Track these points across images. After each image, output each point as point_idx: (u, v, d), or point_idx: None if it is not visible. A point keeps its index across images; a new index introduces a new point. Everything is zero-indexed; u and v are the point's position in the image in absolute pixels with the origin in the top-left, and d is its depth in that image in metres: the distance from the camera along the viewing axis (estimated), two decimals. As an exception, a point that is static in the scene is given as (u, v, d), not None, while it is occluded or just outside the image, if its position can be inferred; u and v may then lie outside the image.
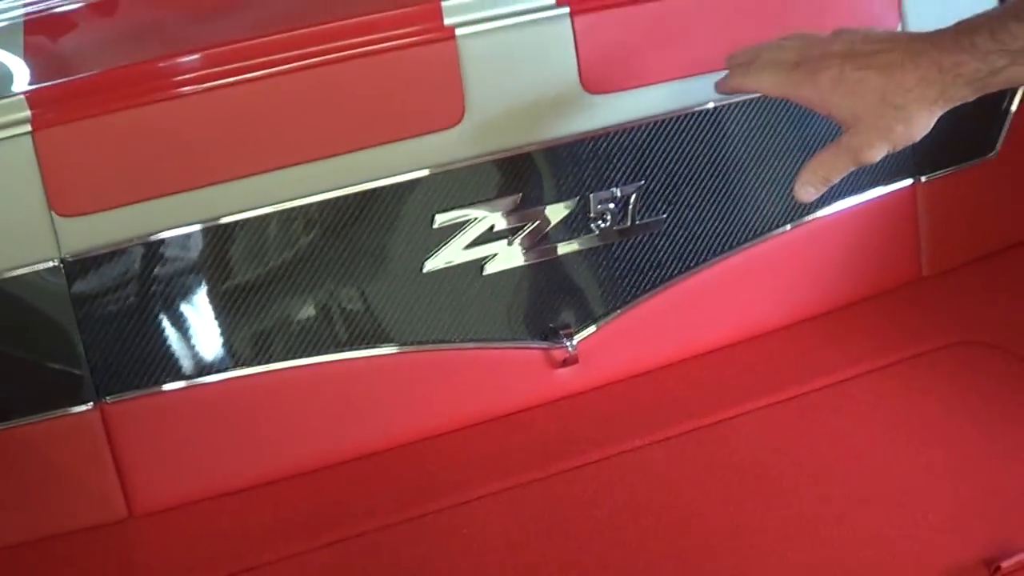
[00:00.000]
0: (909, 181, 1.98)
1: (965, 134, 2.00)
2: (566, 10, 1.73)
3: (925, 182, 1.99)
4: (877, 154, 1.37)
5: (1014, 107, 2.04)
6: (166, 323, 1.68)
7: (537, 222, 1.77)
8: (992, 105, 2.02)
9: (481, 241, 1.75)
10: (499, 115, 1.73)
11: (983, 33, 1.26)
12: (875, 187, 1.97)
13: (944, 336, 1.87)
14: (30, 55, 1.78)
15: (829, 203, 1.93)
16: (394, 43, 1.68)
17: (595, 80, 1.75)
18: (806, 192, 1.43)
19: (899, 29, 1.92)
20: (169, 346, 1.68)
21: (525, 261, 1.79)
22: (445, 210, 1.73)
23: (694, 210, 1.85)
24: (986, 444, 1.63)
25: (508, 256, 1.77)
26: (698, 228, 1.85)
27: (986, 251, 2.05)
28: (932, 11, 1.91)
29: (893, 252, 2.00)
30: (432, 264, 1.74)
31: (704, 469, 1.66)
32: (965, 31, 1.28)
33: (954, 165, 2.01)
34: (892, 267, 2.01)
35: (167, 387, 1.69)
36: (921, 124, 1.35)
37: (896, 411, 1.74)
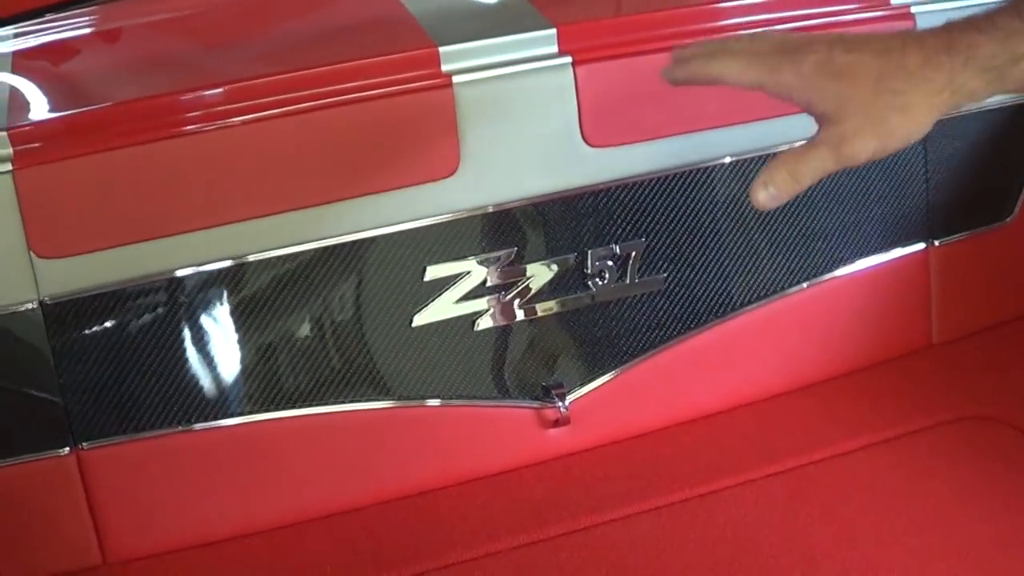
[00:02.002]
0: (922, 245, 1.92)
1: (980, 198, 1.95)
2: (568, 59, 1.68)
3: (939, 246, 1.92)
4: (862, 150, 1.10)
5: (1034, 166, 1.97)
6: (146, 369, 1.63)
7: (532, 277, 1.72)
8: (1009, 168, 1.96)
9: (473, 296, 1.70)
10: (496, 166, 1.68)
11: (1007, 11, 1.06)
12: (887, 250, 1.91)
13: (951, 409, 1.81)
14: (15, 89, 1.73)
15: (837, 265, 1.88)
16: (389, 89, 1.63)
17: (597, 133, 1.70)
18: (764, 194, 1.15)
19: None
20: (148, 393, 1.64)
21: (518, 318, 1.73)
22: (437, 263, 1.68)
23: (696, 270, 1.79)
24: (989, 530, 1.57)
25: (501, 312, 1.72)
26: (699, 289, 1.80)
27: (1000, 319, 1.99)
28: None
29: (903, 318, 1.94)
30: (422, 318, 1.69)
31: (692, 542, 1.60)
32: (982, 12, 1.08)
33: (969, 230, 1.95)
34: (901, 333, 1.94)
35: (145, 434, 1.64)
36: (921, 120, 1.10)
37: (895, 490, 1.67)
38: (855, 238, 1.87)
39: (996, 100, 1.90)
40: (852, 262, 1.88)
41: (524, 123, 1.68)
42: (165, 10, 1.93)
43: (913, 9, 1.85)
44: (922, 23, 1.84)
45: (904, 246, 1.91)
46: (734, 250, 1.80)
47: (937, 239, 1.92)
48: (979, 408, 1.81)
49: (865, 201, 1.87)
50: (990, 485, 1.65)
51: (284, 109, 1.60)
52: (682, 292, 1.78)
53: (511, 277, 1.71)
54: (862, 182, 1.86)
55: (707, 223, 1.78)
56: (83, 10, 1.97)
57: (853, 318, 1.90)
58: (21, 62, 1.83)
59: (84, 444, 1.63)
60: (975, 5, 1.78)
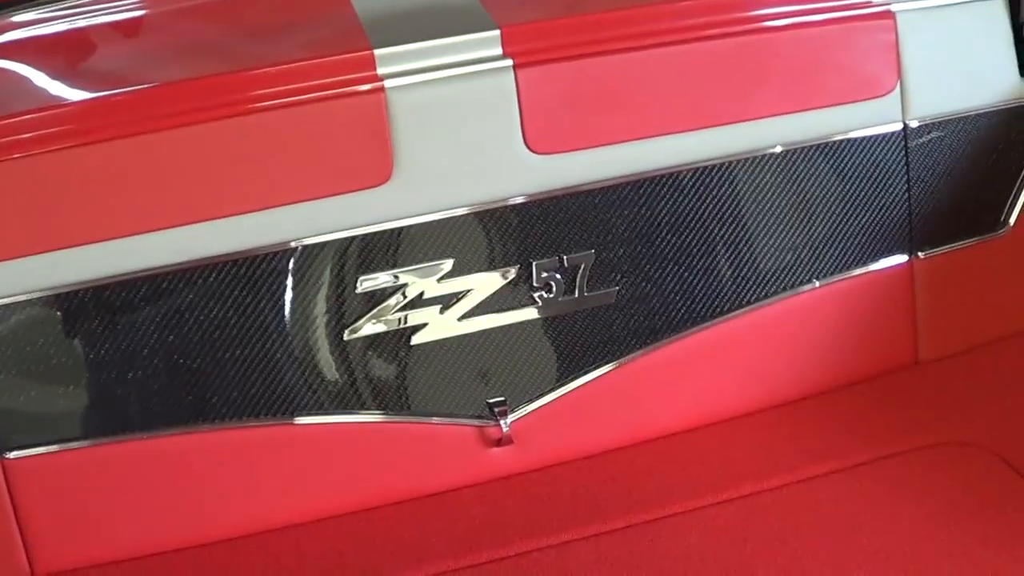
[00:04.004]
0: (905, 257, 1.81)
1: (968, 208, 1.84)
2: (509, 62, 1.60)
3: (923, 258, 1.81)
4: None
5: (1031, 177, 1.86)
6: (72, 379, 1.59)
7: (472, 290, 1.65)
8: (998, 177, 1.84)
9: (409, 308, 1.64)
10: (432, 174, 1.61)
11: None
12: (866, 263, 1.80)
13: (930, 434, 1.71)
14: None
15: (811, 278, 1.78)
16: (319, 93, 1.57)
17: (540, 139, 1.62)
18: None
19: (897, 89, 1.75)
20: (75, 403, 1.60)
21: (458, 332, 1.66)
22: (370, 274, 1.61)
23: (652, 283, 1.71)
24: (954, 570, 1.45)
25: (439, 326, 1.65)
26: (656, 302, 1.71)
27: (992, 336, 1.87)
28: (931, 69, 1.78)
29: (886, 334, 1.84)
30: (354, 331, 1.63)
31: (627, 572, 1.51)
32: None
33: (955, 241, 1.83)
34: (884, 350, 1.84)
35: (72, 444, 1.60)
36: None
37: (855, 520, 1.57)
38: (831, 250, 1.77)
39: (982, 104, 1.81)
40: (828, 275, 1.78)
41: (463, 128, 1.61)
42: (106, 13, 1.89)
43: (893, 7, 1.75)
44: (902, 23, 1.74)
45: (885, 258, 1.80)
46: (695, 262, 1.71)
47: (921, 251, 1.82)
48: (962, 433, 1.70)
49: (843, 211, 1.77)
50: (962, 519, 1.54)
51: (210, 112, 1.55)
52: (636, 306, 1.70)
53: (450, 289, 1.64)
54: (839, 191, 1.77)
55: (664, 234, 1.69)
56: None
57: (829, 334, 1.80)
58: None
59: (9, 454, 1.59)
60: (956, 4, 1.71)
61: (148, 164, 1.55)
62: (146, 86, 1.59)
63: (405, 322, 1.64)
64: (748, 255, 1.73)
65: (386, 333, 1.64)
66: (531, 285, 1.67)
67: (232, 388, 1.62)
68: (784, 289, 1.76)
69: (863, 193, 1.78)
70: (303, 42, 1.73)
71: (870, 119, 1.76)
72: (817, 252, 1.77)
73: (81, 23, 1.88)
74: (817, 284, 1.78)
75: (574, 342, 1.70)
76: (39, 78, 1.76)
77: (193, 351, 1.60)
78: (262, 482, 1.66)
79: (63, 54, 1.87)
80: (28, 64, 1.77)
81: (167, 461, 1.63)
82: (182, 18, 1.86)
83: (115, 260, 1.56)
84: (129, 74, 1.70)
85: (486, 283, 1.65)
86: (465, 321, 1.66)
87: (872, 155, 1.77)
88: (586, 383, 1.72)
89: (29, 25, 1.85)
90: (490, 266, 1.65)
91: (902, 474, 1.63)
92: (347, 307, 1.62)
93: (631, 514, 1.61)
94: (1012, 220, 1.86)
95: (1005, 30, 1.82)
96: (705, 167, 1.69)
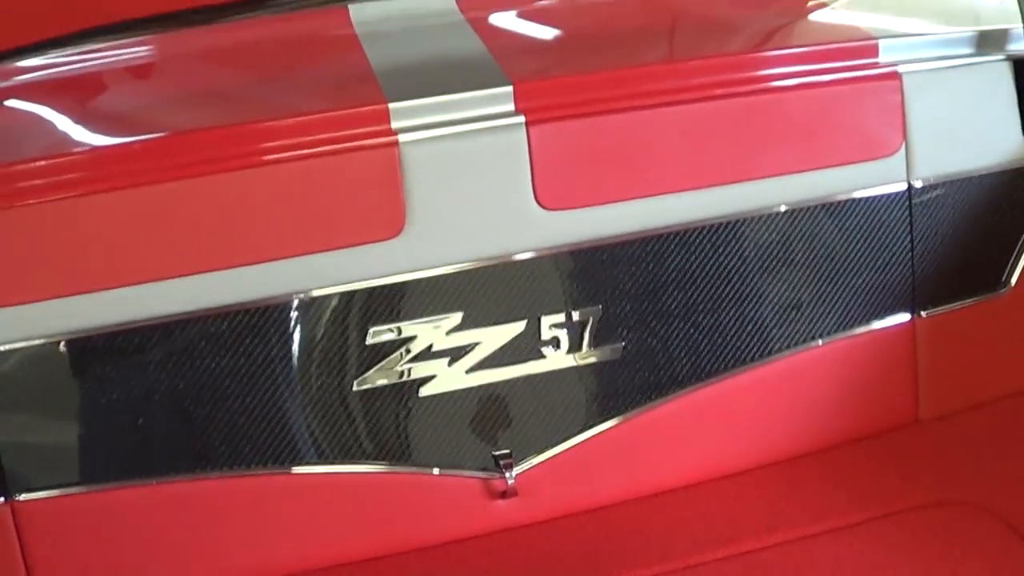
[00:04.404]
0: (908, 316, 1.82)
1: (970, 268, 1.85)
2: (522, 119, 1.62)
3: (926, 317, 1.83)
4: None
5: (1032, 238, 1.87)
6: (81, 424, 1.61)
7: (480, 343, 1.66)
8: (1000, 237, 1.86)
9: (418, 360, 1.64)
10: (443, 228, 1.62)
11: None
12: (870, 321, 1.82)
13: (929, 493, 1.72)
14: None
15: (815, 336, 1.79)
16: (333, 146, 1.58)
17: (551, 195, 1.63)
18: None
19: (903, 149, 1.77)
20: (83, 448, 1.61)
21: (466, 384, 1.67)
22: (380, 325, 1.62)
23: (657, 339, 1.72)
24: None
25: (447, 378, 1.66)
26: (661, 358, 1.73)
27: (994, 395, 1.88)
28: (936, 130, 1.80)
29: (887, 392, 1.85)
30: (363, 382, 1.64)
31: (634, 630, 1.52)
32: None
33: (958, 300, 1.85)
34: (885, 408, 1.85)
35: (80, 489, 1.61)
36: None
37: None
38: (835, 308, 1.79)
39: (986, 165, 1.82)
40: (832, 333, 1.80)
41: (475, 183, 1.63)
42: (118, 57, 1.90)
43: (900, 69, 1.76)
44: (908, 84, 1.76)
45: (889, 317, 1.81)
46: (700, 319, 1.73)
47: (924, 310, 1.83)
48: (962, 493, 1.71)
49: (846, 270, 1.79)
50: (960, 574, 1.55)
51: (223, 164, 1.56)
52: (641, 362, 1.71)
53: (459, 342, 1.65)
54: (843, 250, 1.78)
55: (670, 290, 1.71)
56: None
57: (831, 391, 1.81)
58: None
59: (20, 496, 1.59)
60: (962, 66, 1.73)
61: (160, 213, 1.56)
62: (158, 135, 1.61)
63: (413, 374, 1.65)
64: (753, 313, 1.75)
65: (394, 384, 1.65)
66: (539, 339, 1.68)
67: (239, 436, 1.63)
68: (787, 347, 1.78)
69: (867, 252, 1.79)
70: (317, 92, 1.74)
71: (875, 179, 1.78)
72: (821, 310, 1.79)
73: (92, 68, 1.89)
74: (820, 342, 1.79)
75: (580, 396, 1.71)
76: (50, 123, 1.78)
77: (201, 399, 1.61)
78: (266, 530, 1.66)
79: (74, 99, 1.87)
80: (39, 109, 1.77)
81: (173, 507, 1.64)
82: (194, 63, 1.87)
83: (126, 308, 1.57)
84: (141, 121, 1.71)
85: (494, 337, 1.66)
86: (473, 374, 1.67)
87: (877, 215, 1.78)
88: (591, 437, 1.73)
89: (40, 70, 1.86)
90: (498, 320, 1.66)
91: (902, 534, 1.64)
92: (356, 358, 1.63)
93: (634, 569, 1.62)
94: (1013, 280, 1.88)
95: (1010, 92, 1.84)
96: (712, 225, 1.70)
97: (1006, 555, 1.59)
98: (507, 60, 1.73)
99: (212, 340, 1.59)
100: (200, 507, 1.64)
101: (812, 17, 1.99)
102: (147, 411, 1.61)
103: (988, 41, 1.83)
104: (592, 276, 1.68)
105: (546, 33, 1.97)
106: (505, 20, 1.94)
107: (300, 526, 1.67)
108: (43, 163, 1.57)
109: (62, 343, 1.56)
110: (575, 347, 1.69)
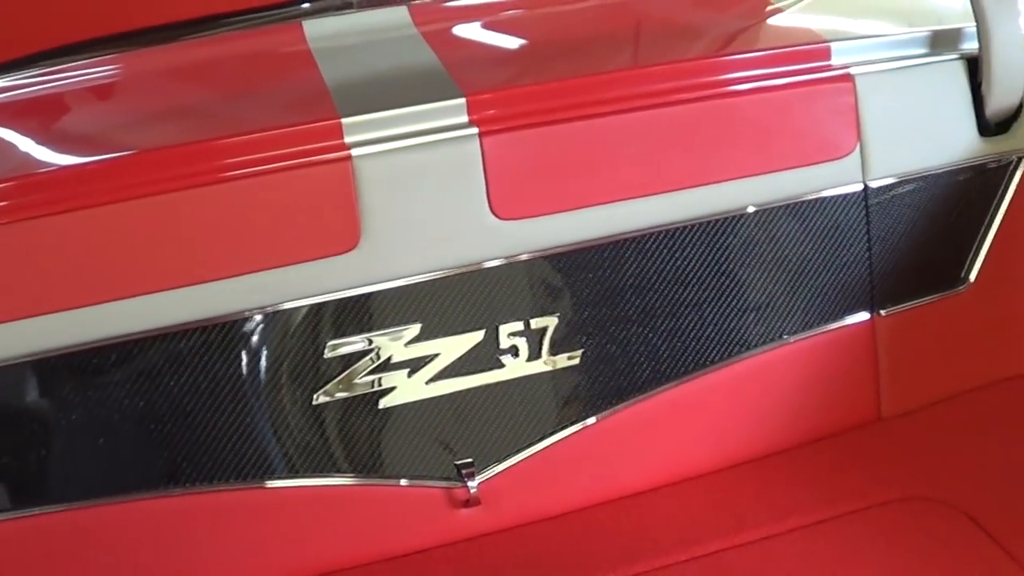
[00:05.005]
0: (867, 315, 1.83)
1: (928, 266, 1.87)
2: (475, 130, 1.63)
3: (885, 316, 1.84)
4: None
5: (991, 234, 1.89)
6: (44, 444, 1.61)
7: (439, 354, 1.67)
8: (958, 235, 1.88)
9: (377, 372, 1.65)
10: (399, 240, 1.63)
11: None
12: (829, 321, 1.83)
13: (893, 489, 1.73)
14: None
15: (775, 338, 1.81)
16: (289, 162, 1.59)
17: (506, 205, 1.64)
18: None
19: (858, 150, 1.78)
20: (47, 468, 1.61)
21: (426, 395, 1.68)
22: (339, 339, 1.63)
23: (617, 344, 1.73)
24: None
25: (407, 389, 1.67)
26: (622, 363, 1.74)
27: (955, 391, 1.90)
28: (891, 130, 1.81)
29: (848, 391, 1.86)
30: (323, 396, 1.65)
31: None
32: None
33: (917, 298, 1.86)
34: (847, 407, 1.86)
35: (45, 509, 1.61)
36: None
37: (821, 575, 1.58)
38: (795, 309, 1.80)
39: (941, 164, 1.84)
40: (791, 334, 1.81)
41: (430, 195, 1.64)
42: (75, 77, 1.91)
43: (852, 71, 1.78)
44: (862, 86, 1.77)
45: (849, 316, 1.83)
46: (659, 323, 1.74)
47: (883, 308, 1.84)
48: (923, 488, 1.72)
49: (805, 271, 1.80)
50: (926, 574, 1.57)
51: (179, 182, 1.57)
52: (602, 367, 1.72)
53: (417, 354, 1.66)
54: (801, 252, 1.80)
55: (629, 296, 1.72)
56: None
57: (793, 392, 1.82)
58: None
59: None
60: (915, 66, 1.74)
61: (118, 233, 1.57)
62: (114, 156, 1.62)
63: (374, 386, 1.66)
64: (712, 316, 1.76)
65: (355, 397, 1.66)
66: (498, 348, 1.69)
67: (203, 453, 1.63)
68: (747, 348, 1.79)
69: (825, 253, 1.80)
70: (271, 108, 1.75)
71: (831, 180, 1.79)
72: (780, 312, 1.80)
73: (54, 88, 1.90)
74: (780, 343, 1.81)
75: (540, 404, 1.72)
76: (12, 144, 1.78)
77: (164, 416, 1.62)
78: (232, 545, 1.67)
79: (36, 119, 1.88)
80: (2, 129, 1.78)
81: (139, 526, 1.64)
82: (149, 82, 1.88)
83: (87, 327, 1.57)
84: (101, 141, 1.73)
85: (453, 347, 1.67)
86: (433, 384, 1.68)
87: (833, 215, 1.80)
88: (552, 444, 1.74)
89: (2, 92, 1.87)
90: (457, 330, 1.67)
91: (867, 530, 1.65)
92: (316, 372, 1.63)
93: (598, 573, 1.63)
94: (972, 276, 1.89)
95: (963, 90, 1.85)
96: (669, 230, 1.71)
97: (970, 548, 1.61)
98: (460, 72, 1.74)
99: (174, 358, 1.60)
100: (165, 525, 1.65)
101: (768, 21, 2.00)
102: (110, 430, 1.61)
103: (940, 41, 1.85)
104: (549, 284, 1.69)
105: (499, 44, 1.98)
106: (459, 32, 1.95)
107: (267, 540, 1.67)
108: (2, 185, 1.58)
109: (24, 364, 1.57)
110: (534, 355, 1.70)
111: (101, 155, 1.63)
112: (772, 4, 2.03)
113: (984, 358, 1.91)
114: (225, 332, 1.60)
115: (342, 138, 1.61)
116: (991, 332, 1.90)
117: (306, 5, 1.95)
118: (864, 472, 1.77)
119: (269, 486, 1.66)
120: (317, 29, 1.89)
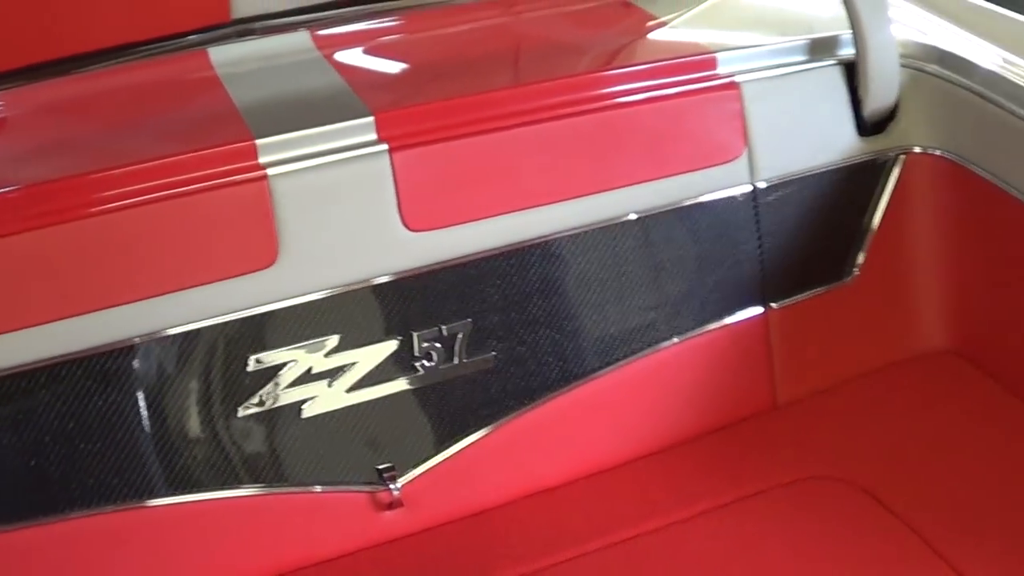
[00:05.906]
0: (760, 309, 1.93)
1: (816, 259, 1.97)
2: (385, 147, 1.70)
3: (777, 308, 1.94)
4: None
5: (873, 227, 2.00)
6: None
7: (357, 363, 1.73)
8: (844, 229, 1.98)
9: (299, 383, 1.71)
10: (316, 255, 1.69)
11: None
12: (724, 316, 1.93)
13: (793, 471, 1.82)
14: None
15: (674, 334, 1.90)
16: (205, 184, 1.65)
17: (416, 217, 1.71)
18: None
19: (745, 153, 1.87)
20: None
21: (346, 403, 1.74)
22: (260, 353, 1.68)
23: (526, 346, 1.80)
24: None
25: (328, 398, 1.73)
26: (531, 364, 1.81)
27: (845, 377, 2.00)
28: (776, 133, 1.91)
29: (745, 382, 1.95)
30: (247, 408, 1.70)
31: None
32: None
33: (806, 291, 1.97)
34: (744, 397, 1.96)
35: None
36: None
37: (732, 555, 1.69)
38: (692, 306, 1.89)
39: (825, 163, 1.94)
40: (689, 330, 1.90)
41: (343, 211, 1.70)
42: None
43: (737, 79, 1.87)
44: (747, 92, 1.87)
45: (742, 311, 1.92)
46: (564, 325, 1.82)
47: (775, 302, 1.94)
48: (823, 468, 1.82)
49: (701, 270, 1.89)
50: (831, 547, 1.67)
51: (88, 209, 1.61)
52: (513, 369, 1.80)
53: (337, 363, 1.72)
54: (696, 251, 1.89)
55: (535, 299, 1.80)
56: None
57: (694, 385, 1.91)
58: None
59: None
60: (795, 73, 1.84)
61: (35, 261, 1.60)
62: (15, 188, 1.63)
63: (295, 396, 1.71)
64: (614, 316, 1.84)
65: (278, 408, 1.71)
66: (413, 355, 1.75)
67: (126, 469, 1.66)
68: (648, 346, 1.88)
69: (718, 252, 1.90)
70: (183, 133, 1.79)
71: (721, 183, 1.89)
72: (677, 309, 1.89)
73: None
74: (678, 339, 1.90)
75: (456, 406, 1.79)
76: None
77: (88, 436, 1.64)
78: (158, 561, 1.70)
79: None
80: None
81: (62, 546, 1.66)
82: (56, 114, 1.91)
83: (4, 354, 1.60)
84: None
85: (370, 355, 1.73)
86: (353, 392, 1.74)
87: (724, 216, 1.89)
88: (470, 444, 1.80)
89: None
90: (373, 339, 1.74)
91: (771, 510, 1.75)
92: (239, 386, 1.68)
93: (519, 565, 1.70)
94: (857, 268, 1.99)
95: (843, 94, 1.96)
96: (570, 236, 1.80)
97: (869, 521, 1.71)
98: (366, 92, 1.80)
99: (97, 379, 1.63)
100: (93, 543, 1.67)
101: (653, 35, 2.10)
102: (30, 451, 1.63)
103: (819, 48, 1.95)
104: (461, 291, 1.76)
105: (402, 65, 2.06)
106: (361, 55, 2.02)
107: (193, 554, 1.71)
108: None
109: None
110: (448, 360, 1.77)
111: (3, 188, 1.64)
112: (655, 19, 2.11)
113: (871, 345, 2.01)
114: (147, 352, 1.64)
115: (257, 159, 1.66)
116: (877, 320, 2.00)
117: (204, 35, 1.99)
118: (765, 457, 1.86)
119: (196, 499, 1.70)
120: (223, 55, 1.95)
